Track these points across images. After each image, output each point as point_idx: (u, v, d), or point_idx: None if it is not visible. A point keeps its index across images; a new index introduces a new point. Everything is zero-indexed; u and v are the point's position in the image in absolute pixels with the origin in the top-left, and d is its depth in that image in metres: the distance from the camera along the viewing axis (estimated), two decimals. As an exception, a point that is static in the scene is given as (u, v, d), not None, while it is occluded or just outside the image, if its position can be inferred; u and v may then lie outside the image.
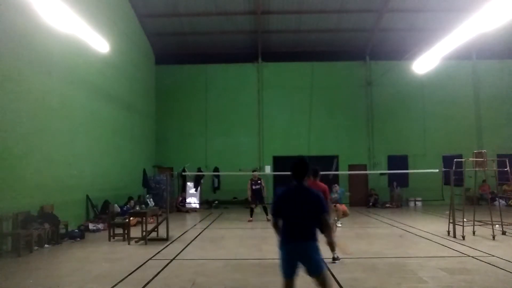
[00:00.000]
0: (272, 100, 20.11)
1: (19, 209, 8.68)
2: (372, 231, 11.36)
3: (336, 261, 6.96)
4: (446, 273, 6.18)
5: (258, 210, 14.41)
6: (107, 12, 14.06)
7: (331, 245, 7.08)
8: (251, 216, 13.82)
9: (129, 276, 6.21)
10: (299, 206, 3.64)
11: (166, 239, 9.50)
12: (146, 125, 18.78)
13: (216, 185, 19.72)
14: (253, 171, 15.09)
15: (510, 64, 19.92)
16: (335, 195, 12.60)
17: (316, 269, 3.56)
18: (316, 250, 3.60)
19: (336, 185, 13.22)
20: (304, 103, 19.91)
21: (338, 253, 7.05)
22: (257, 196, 13.81)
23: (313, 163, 17.03)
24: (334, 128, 19.92)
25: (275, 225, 3.86)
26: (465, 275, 6.11)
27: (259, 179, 14.09)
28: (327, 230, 3.69)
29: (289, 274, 3.62)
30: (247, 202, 19.02)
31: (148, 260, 7.40)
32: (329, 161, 19.45)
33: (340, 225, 12.41)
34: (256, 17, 18.22)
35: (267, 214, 13.64)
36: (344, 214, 12.30)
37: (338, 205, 12.61)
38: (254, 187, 13.84)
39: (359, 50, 20.16)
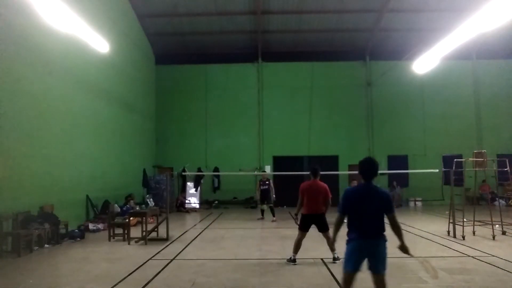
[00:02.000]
0: (272, 100, 20.11)
1: (19, 209, 8.67)
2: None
3: (336, 261, 6.95)
4: (446, 273, 6.18)
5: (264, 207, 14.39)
6: (107, 12, 14.06)
7: (332, 245, 7.09)
8: (262, 215, 14.09)
9: (129, 276, 6.21)
10: (370, 204, 3.75)
11: (166, 239, 9.50)
12: (146, 125, 18.78)
13: (216, 185, 19.72)
14: (262, 171, 15.10)
15: (510, 64, 19.91)
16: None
17: (382, 267, 3.72)
18: (385, 248, 3.74)
19: (355, 181, 13.30)
20: (304, 103, 19.90)
21: (338, 254, 7.05)
22: (265, 196, 13.97)
23: (313, 163, 17.25)
24: (334, 128, 19.92)
25: (340, 222, 4.05)
26: (465, 275, 6.11)
27: (268, 180, 14.19)
28: (396, 230, 3.80)
29: (354, 268, 3.77)
30: (248, 202, 19.08)
31: (148, 260, 7.40)
32: (329, 161, 19.45)
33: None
34: (256, 17, 18.22)
35: (273, 215, 13.64)
36: None
37: None
38: (262, 187, 14.01)
39: (359, 50, 20.15)
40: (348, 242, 3.83)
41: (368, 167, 3.91)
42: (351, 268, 3.78)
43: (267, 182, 14.00)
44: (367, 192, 3.84)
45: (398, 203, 18.74)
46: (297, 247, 7.09)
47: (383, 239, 3.76)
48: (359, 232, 3.75)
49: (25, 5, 8.74)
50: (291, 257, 7.02)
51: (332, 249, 7.07)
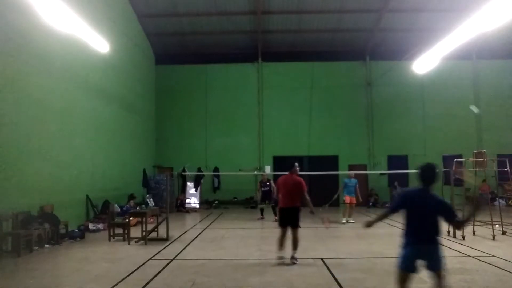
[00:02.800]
0: (272, 100, 20.10)
1: (19, 209, 8.67)
2: (372, 231, 11.26)
3: (295, 261, 6.89)
4: (446, 273, 6.17)
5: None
6: (107, 12, 14.06)
7: (296, 243, 7.01)
8: (262, 215, 14.03)
9: (129, 276, 6.21)
10: (427, 210, 3.82)
11: (166, 239, 9.50)
12: (146, 125, 18.77)
13: (216, 185, 19.72)
14: (263, 171, 14.99)
15: (510, 64, 19.91)
16: (349, 183, 12.86)
17: (439, 265, 3.87)
18: (440, 250, 3.88)
19: (353, 172, 13.42)
20: (304, 103, 19.89)
21: (297, 254, 7.02)
22: (266, 197, 13.92)
23: (313, 163, 17.19)
24: (334, 128, 19.92)
25: (384, 216, 4.14)
26: (465, 275, 6.11)
27: (268, 180, 14.11)
28: (461, 228, 3.94)
29: (409, 270, 3.91)
30: (248, 203, 19.06)
31: (148, 260, 7.40)
32: (329, 161, 19.47)
33: (352, 221, 12.70)
34: (256, 17, 18.22)
35: (275, 215, 13.20)
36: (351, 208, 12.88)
37: (348, 197, 12.89)
38: (263, 189, 13.95)
39: (359, 50, 20.15)
40: (404, 246, 3.92)
41: (429, 173, 3.96)
42: (407, 269, 3.92)
43: (267, 184, 13.92)
44: (424, 197, 3.89)
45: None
46: (280, 244, 7.06)
47: (438, 243, 3.86)
48: (416, 237, 3.84)
49: (25, 5, 8.73)
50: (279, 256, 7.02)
51: (295, 248, 7.01)
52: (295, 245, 7.02)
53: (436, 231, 3.83)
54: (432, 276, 3.93)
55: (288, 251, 7.10)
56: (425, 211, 3.81)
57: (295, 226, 7.05)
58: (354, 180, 13.15)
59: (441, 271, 3.84)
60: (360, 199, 13.43)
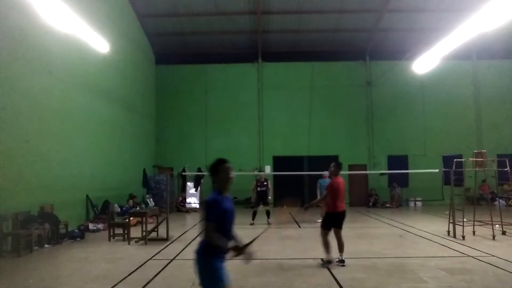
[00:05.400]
0: (272, 100, 20.11)
1: (19, 209, 8.68)
2: (372, 231, 11.35)
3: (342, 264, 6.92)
4: (446, 273, 6.18)
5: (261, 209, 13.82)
6: (107, 12, 14.06)
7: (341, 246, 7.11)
8: (253, 219, 12.76)
9: (129, 276, 6.21)
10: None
11: (166, 239, 9.51)
12: (146, 125, 18.77)
13: (216, 185, 19.70)
14: (259, 171, 13.97)
15: (510, 64, 19.92)
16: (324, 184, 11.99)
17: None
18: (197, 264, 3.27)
19: (326, 172, 12.68)
20: (304, 103, 19.90)
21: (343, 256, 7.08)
22: (261, 198, 12.93)
23: (313, 163, 17.05)
24: (334, 128, 19.92)
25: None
26: (465, 275, 6.11)
27: (266, 180, 13.14)
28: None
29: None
30: (248, 203, 19.02)
31: (148, 260, 7.40)
32: (329, 161, 19.44)
33: None
34: (256, 17, 18.23)
35: (268, 218, 12.69)
36: None
37: None
38: (259, 188, 12.89)
39: (359, 50, 20.15)
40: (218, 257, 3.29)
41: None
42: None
43: (265, 183, 12.98)
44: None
45: (398, 203, 18.75)
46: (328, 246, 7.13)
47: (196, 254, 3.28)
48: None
49: (25, 4, 8.74)
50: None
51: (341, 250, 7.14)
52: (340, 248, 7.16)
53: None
54: None
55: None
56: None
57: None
58: (328, 180, 12.52)
59: None
60: None
